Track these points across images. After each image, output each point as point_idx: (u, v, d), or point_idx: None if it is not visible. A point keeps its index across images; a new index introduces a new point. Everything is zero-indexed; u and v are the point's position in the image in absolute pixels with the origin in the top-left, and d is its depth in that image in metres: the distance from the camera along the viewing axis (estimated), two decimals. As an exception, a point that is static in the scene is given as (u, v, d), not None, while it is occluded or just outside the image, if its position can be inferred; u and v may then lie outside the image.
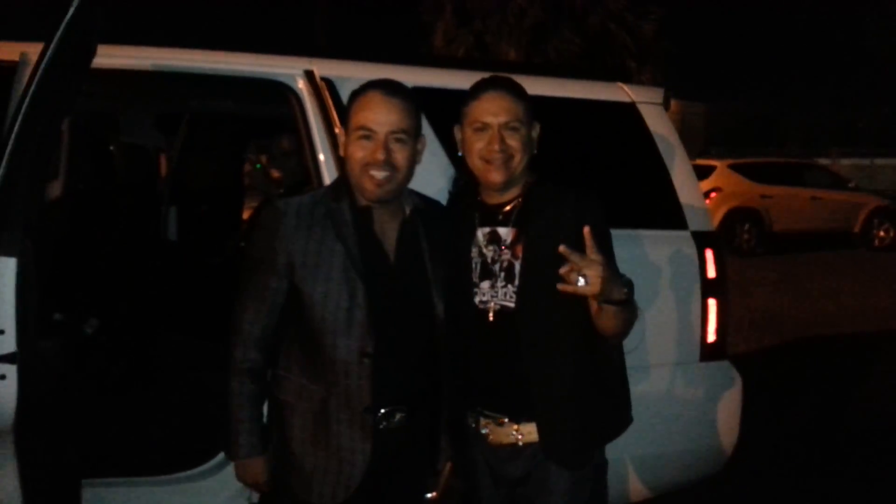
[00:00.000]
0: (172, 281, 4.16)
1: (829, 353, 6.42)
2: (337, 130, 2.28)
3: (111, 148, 3.98)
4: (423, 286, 1.89)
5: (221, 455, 2.54)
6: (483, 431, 1.91)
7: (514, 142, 1.84)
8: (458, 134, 1.95)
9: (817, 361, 6.14)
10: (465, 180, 2.05)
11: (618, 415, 1.96)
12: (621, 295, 1.67)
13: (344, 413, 1.79)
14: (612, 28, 13.87)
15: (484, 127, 1.85)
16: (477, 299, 1.88)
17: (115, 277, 3.80)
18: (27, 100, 1.71)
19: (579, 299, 1.71)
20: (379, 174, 1.78)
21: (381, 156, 1.76)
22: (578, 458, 1.87)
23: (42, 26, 2.44)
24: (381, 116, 1.78)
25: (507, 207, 1.91)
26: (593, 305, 1.72)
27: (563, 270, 1.62)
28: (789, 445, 4.22)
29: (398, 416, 1.84)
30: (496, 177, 1.85)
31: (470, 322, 1.89)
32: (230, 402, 1.86)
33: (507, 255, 1.87)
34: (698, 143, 21.35)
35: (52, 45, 1.74)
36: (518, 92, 1.89)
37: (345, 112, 1.91)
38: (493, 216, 1.92)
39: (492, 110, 1.84)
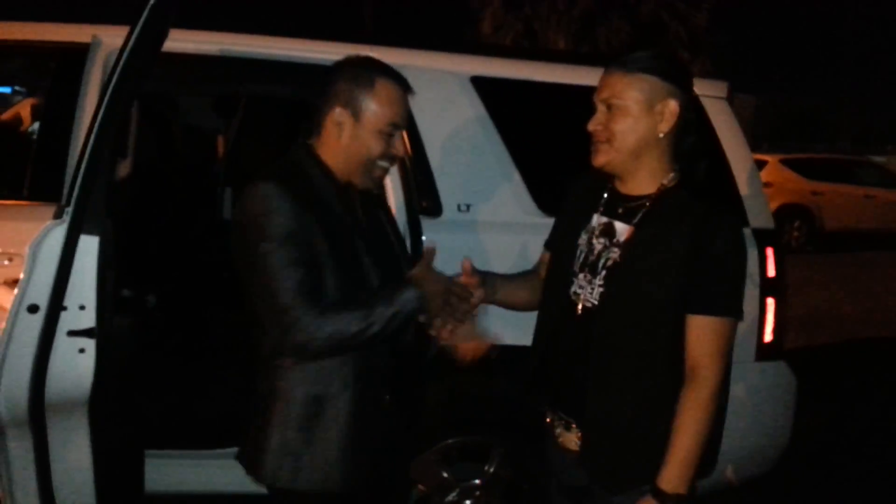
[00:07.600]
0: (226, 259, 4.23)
1: (878, 354, 6.28)
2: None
3: (173, 129, 4.07)
4: (398, 254, 1.83)
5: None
6: (556, 431, 1.79)
7: (613, 121, 1.62)
8: None
9: (866, 362, 6.00)
10: None
11: None
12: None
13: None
14: (664, 17, 13.62)
15: (594, 105, 1.67)
16: (571, 290, 1.72)
17: (172, 254, 3.89)
18: (111, 86, 1.76)
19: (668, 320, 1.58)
20: (389, 165, 1.72)
21: (403, 150, 1.71)
22: (614, 479, 1.67)
23: (115, 8, 2.51)
24: (406, 112, 1.71)
25: (635, 204, 1.68)
26: None
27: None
28: (836, 447, 4.15)
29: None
30: (596, 159, 1.66)
31: (559, 313, 1.74)
32: (369, 318, 1.59)
33: (615, 253, 1.66)
34: (748, 137, 20.95)
35: (135, 31, 1.78)
36: (630, 66, 1.61)
37: (350, 96, 1.66)
38: (616, 207, 1.70)
39: (598, 86, 1.66)
